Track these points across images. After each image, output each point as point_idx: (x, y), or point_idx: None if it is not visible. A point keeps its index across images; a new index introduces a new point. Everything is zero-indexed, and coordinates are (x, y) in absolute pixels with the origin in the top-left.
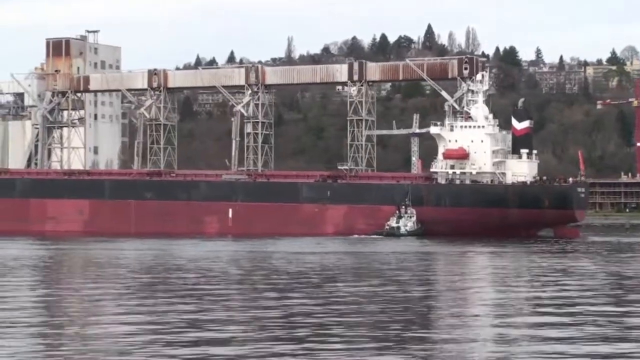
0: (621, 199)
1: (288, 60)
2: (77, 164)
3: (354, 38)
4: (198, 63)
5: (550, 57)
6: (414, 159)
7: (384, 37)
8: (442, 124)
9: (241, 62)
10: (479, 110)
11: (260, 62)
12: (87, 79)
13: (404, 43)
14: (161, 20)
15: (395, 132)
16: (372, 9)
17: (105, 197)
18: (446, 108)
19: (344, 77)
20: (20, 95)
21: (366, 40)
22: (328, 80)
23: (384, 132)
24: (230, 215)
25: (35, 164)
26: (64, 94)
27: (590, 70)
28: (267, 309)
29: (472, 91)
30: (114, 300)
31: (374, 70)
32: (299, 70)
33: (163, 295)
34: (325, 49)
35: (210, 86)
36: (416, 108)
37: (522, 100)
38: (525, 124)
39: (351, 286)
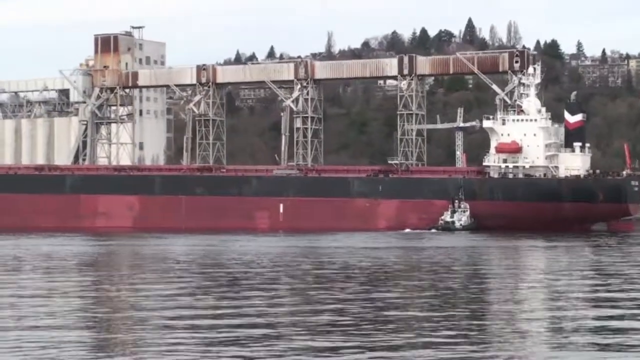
0: None
1: (328, 55)
2: (125, 160)
3: (394, 32)
4: (238, 58)
5: (591, 51)
6: (458, 153)
7: (424, 31)
8: (494, 118)
9: (281, 57)
10: (531, 103)
11: (299, 57)
12: (135, 75)
13: (445, 37)
14: (200, 15)
15: (439, 126)
16: (412, 3)
17: (155, 193)
18: (497, 102)
19: (394, 71)
20: (64, 92)
21: (406, 35)
22: (377, 74)
23: (429, 126)
24: (281, 210)
25: (84, 159)
26: (112, 89)
27: (633, 63)
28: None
29: (524, 84)
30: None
31: (423, 64)
32: (349, 64)
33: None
34: (365, 44)
35: (258, 81)
36: (460, 102)
37: (574, 93)
38: (578, 117)
39: (437, 281)
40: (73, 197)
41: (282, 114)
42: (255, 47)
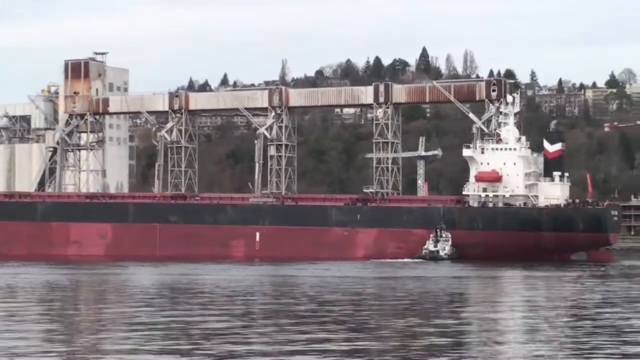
0: (631, 221)
1: (282, 83)
2: (94, 187)
3: (348, 61)
4: (191, 86)
5: (543, 80)
6: (420, 181)
7: (378, 60)
8: (473, 146)
9: (235, 84)
10: (510, 132)
11: (253, 84)
12: (106, 101)
13: (399, 66)
14: (151, 43)
15: (401, 154)
16: (366, 32)
17: (128, 221)
18: (474, 130)
19: (369, 99)
20: (26, 118)
21: (360, 63)
22: (353, 102)
23: (390, 154)
24: (257, 238)
25: (50, 186)
26: (82, 116)
27: (589, 93)
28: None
29: (502, 113)
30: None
31: (399, 92)
32: (323, 92)
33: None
34: (319, 72)
35: (232, 108)
36: (418, 130)
37: (554, 122)
38: (558, 146)
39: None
40: (44, 224)
41: (255, 141)
42: (208, 75)
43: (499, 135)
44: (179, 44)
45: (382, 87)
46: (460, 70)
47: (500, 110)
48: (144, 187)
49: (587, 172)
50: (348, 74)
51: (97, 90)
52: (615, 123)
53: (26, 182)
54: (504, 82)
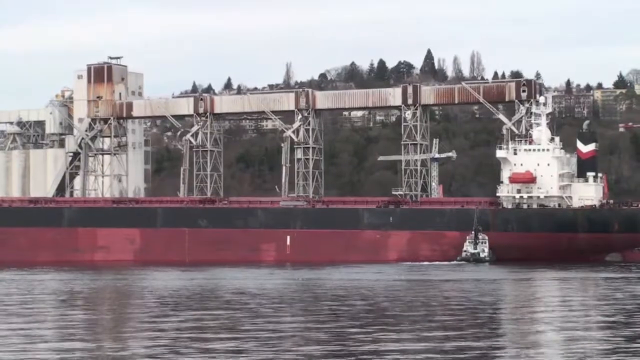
0: None
1: (286, 86)
2: (116, 192)
3: (352, 64)
4: (195, 90)
5: (548, 82)
6: (434, 184)
7: (382, 63)
8: (507, 147)
9: (239, 88)
10: (542, 133)
11: (256, 88)
12: (130, 105)
13: (404, 68)
14: (153, 48)
15: (415, 156)
16: (370, 35)
17: (157, 226)
18: (504, 131)
19: (397, 101)
20: (39, 123)
21: (365, 66)
22: (381, 104)
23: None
24: (288, 242)
25: (72, 192)
26: (105, 120)
27: (598, 94)
28: None
29: (533, 114)
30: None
31: (428, 93)
32: (351, 94)
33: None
34: (323, 75)
35: (258, 111)
36: (428, 133)
37: (587, 122)
38: (591, 146)
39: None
40: (71, 230)
41: (282, 144)
42: (211, 79)
43: (530, 136)
44: (180, 48)
45: (410, 89)
46: (466, 72)
47: (532, 110)
48: (158, 191)
49: (604, 174)
50: (353, 76)
51: (120, 94)
52: (630, 123)
53: (41, 188)
54: (534, 83)
